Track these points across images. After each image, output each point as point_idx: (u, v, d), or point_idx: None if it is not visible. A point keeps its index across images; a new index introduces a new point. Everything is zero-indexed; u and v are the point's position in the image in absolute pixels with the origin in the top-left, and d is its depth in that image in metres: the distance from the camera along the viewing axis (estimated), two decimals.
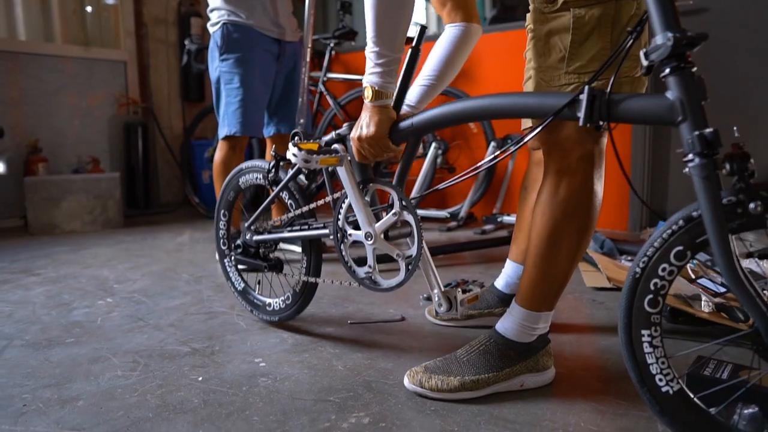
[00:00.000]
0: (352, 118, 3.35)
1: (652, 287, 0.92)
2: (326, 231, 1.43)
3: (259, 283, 1.72)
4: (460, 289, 1.30)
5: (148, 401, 1.16)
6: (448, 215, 3.26)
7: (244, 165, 1.66)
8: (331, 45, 3.27)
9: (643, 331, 0.93)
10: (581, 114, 0.92)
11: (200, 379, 1.27)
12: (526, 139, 1.07)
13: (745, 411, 0.98)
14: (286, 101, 2.44)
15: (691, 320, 1.56)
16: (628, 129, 2.84)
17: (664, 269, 0.91)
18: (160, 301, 1.88)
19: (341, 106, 3.24)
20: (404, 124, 1.19)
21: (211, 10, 2.28)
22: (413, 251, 1.27)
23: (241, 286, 1.71)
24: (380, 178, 1.34)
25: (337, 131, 1.35)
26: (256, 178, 1.62)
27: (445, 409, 1.12)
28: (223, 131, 2.28)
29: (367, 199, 1.32)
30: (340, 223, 1.36)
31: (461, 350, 1.25)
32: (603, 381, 1.24)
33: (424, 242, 1.26)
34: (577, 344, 1.45)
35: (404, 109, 1.57)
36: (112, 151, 3.85)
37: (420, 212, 3.36)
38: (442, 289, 1.30)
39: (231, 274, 1.74)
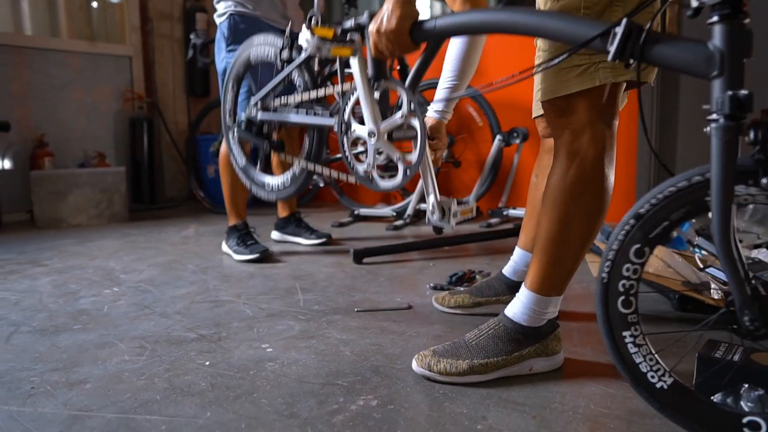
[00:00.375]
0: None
1: (621, 288, 0.93)
2: (331, 121, 1.38)
3: (260, 161, 1.68)
4: (455, 200, 1.26)
5: (155, 384, 1.16)
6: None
7: (255, 38, 1.61)
8: None
9: (624, 333, 0.94)
10: (612, 48, 0.85)
11: (207, 363, 1.27)
12: (550, 64, 0.99)
13: (752, 394, 0.97)
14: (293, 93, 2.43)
15: (700, 307, 1.55)
16: (635, 102, 2.82)
17: (628, 269, 0.92)
18: (166, 290, 1.88)
19: None
20: (427, 24, 1.12)
21: (218, 1, 2.27)
22: (414, 157, 1.22)
23: (242, 162, 1.69)
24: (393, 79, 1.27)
25: (357, 20, 1.26)
26: (267, 54, 1.57)
27: (453, 393, 1.11)
28: None
29: (377, 96, 1.26)
30: (345, 116, 1.31)
31: (470, 334, 1.24)
32: (612, 366, 1.23)
33: (427, 149, 1.22)
34: (585, 331, 1.45)
35: (434, 114, 1.56)
36: (118, 146, 3.86)
37: (424, 205, 3.35)
38: (438, 198, 1.26)
39: (234, 149, 1.70)
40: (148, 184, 3.88)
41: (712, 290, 1.54)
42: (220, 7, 2.26)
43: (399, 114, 1.20)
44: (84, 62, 3.67)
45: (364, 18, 1.23)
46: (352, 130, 1.31)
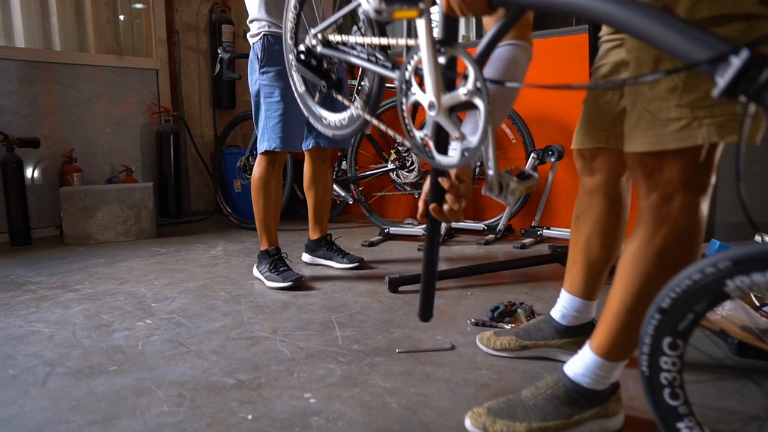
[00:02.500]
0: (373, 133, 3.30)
1: (664, 381, 0.86)
2: (393, 74, 1.22)
3: (318, 91, 1.52)
4: (515, 177, 1.12)
5: None
6: (485, 227, 3.17)
7: None
8: None
9: (679, 425, 0.86)
10: (723, 81, 0.66)
11: (249, 417, 1.22)
12: (641, 80, 0.89)
13: None
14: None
15: (760, 354, 1.46)
16: None
17: (666, 362, 0.86)
18: (199, 323, 1.84)
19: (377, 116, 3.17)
20: None
21: (251, 21, 2.23)
22: (475, 140, 1.05)
23: (302, 88, 1.59)
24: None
25: None
26: None
27: None
28: (262, 146, 2.23)
29: (442, 61, 1.09)
30: (407, 74, 1.15)
31: (527, 392, 1.18)
32: None
33: (490, 130, 1.06)
34: (635, 378, 1.36)
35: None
36: (144, 159, 3.85)
37: (455, 224, 3.28)
38: (497, 171, 1.08)
39: (294, 75, 1.59)
40: (174, 197, 3.86)
41: None
42: (254, 27, 2.21)
43: (463, 90, 1.03)
44: (111, 76, 3.67)
45: None
46: (412, 92, 1.14)
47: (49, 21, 3.51)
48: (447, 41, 1.08)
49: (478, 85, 1.02)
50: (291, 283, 2.20)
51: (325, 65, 1.45)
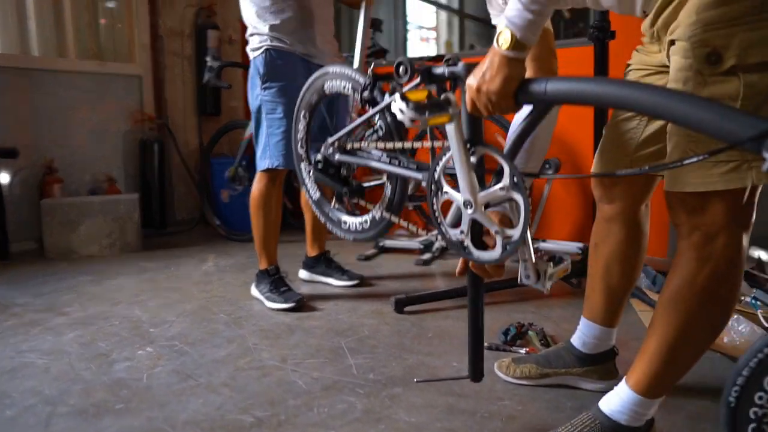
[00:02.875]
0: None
1: (752, 416, 0.85)
2: (419, 176, 1.25)
3: (338, 198, 1.59)
4: (551, 263, 1.13)
5: None
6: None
7: (330, 68, 1.50)
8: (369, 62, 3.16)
9: None
10: None
11: None
12: (688, 161, 0.85)
13: None
14: (326, 131, 2.32)
15: None
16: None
17: (761, 398, 0.84)
18: (204, 350, 1.77)
19: None
20: (536, 87, 0.98)
21: (252, 35, 2.16)
22: (516, 233, 1.07)
23: (316, 195, 1.61)
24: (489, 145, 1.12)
25: (451, 68, 1.11)
26: (344, 87, 1.46)
27: None
28: (263, 163, 2.17)
29: (473, 161, 1.12)
30: (436, 175, 1.17)
31: (564, 429, 1.16)
32: None
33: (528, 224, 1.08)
34: (665, 411, 1.35)
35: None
36: (127, 168, 3.73)
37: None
38: (533, 260, 1.12)
39: (307, 181, 1.63)
40: (159, 207, 3.75)
41: None
42: (254, 41, 2.14)
43: (500, 185, 1.06)
44: (92, 83, 3.53)
45: (459, 68, 1.09)
46: (444, 192, 1.16)
47: (27, 25, 3.36)
48: (476, 141, 1.11)
49: (515, 179, 1.03)
50: (293, 304, 2.14)
51: (344, 172, 1.48)
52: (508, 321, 1.91)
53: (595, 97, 0.93)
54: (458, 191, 1.12)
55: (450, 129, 1.07)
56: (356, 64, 2.26)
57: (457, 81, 1.11)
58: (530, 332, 1.84)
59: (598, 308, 1.43)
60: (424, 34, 6.86)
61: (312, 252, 2.55)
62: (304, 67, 2.16)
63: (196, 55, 3.98)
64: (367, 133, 1.43)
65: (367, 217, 1.46)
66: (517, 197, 1.04)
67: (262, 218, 2.23)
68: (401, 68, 1.15)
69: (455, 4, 6.86)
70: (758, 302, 1.96)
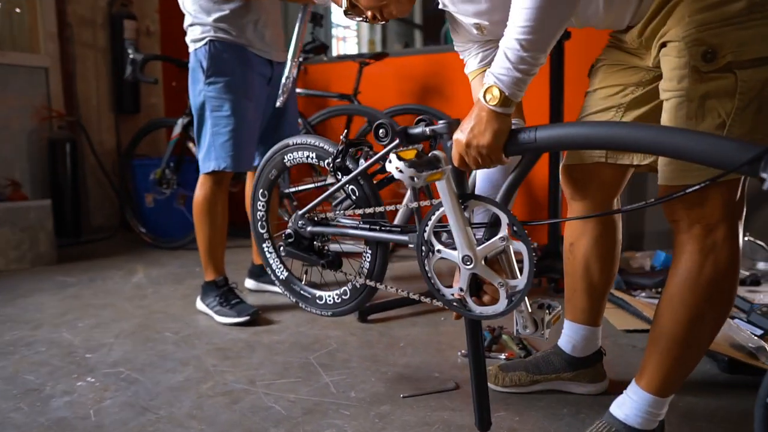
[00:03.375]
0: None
1: None
2: (405, 238, 1.23)
3: (306, 273, 1.49)
4: (547, 310, 1.14)
5: None
6: None
7: (291, 140, 1.43)
8: (301, 59, 3.00)
9: None
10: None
11: None
12: (687, 191, 0.91)
13: None
14: (274, 130, 2.17)
15: (751, 371, 1.52)
16: None
17: None
18: (156, 377, 1.57)
19: (312, 126, 2.99)
20: (525, 136, 1.01)
21: (191, 24, 1.96)
22: (520, 283, 1.08)
23: (284, 275, 1.51)
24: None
25: (432, 127, 1.13)
26: (308, 156, 1.40)
27: None
28: (208, 165, 1.98)
29: (466, 215, 1.12)
30: (426, 235, 1.16)
31: None
32: None
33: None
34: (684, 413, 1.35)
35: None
36: (34, 171, 3.32)
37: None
38: (530, 310, 1.13)
39: (272, 261, 1.53)
40: (72, 214, 3.38)
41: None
42: (195, 31, 1.95)
43: (499, 236, 1.07)
44: None
45: (441, 126, 1.10)
46: (437, 251, 1.15)
47: None
48: (467, 195, 1.11)
49: (515, 228, 1.05)
50: (247, 317, 1.97)
51: (317, 243, 1.42)
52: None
53: (588, 140, 0.96)
54: (451, 249, 1.13)
55: (441, 185, 1.08)
56: (290, 59, 2.11)
57: (437, 139, 1.12)
58: (504, 336, 1.80)
59: (582, 308, 1.41)
60: (344, 33, 6.77)
61: (259, 260, 2.38)
62: (255, 62, 2.00)
63: (111, 46, 3.64)
64: (335, 202, 1.40)
65: (346, 288, 1.40)
66: (519, 246, 1.06)
67: (208, 225, 2.04)
68: (381, 131, 1.17)
69: None
70: None
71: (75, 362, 1.67)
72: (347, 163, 1.31)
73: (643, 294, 2.13)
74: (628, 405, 1.12)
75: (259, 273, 2.38)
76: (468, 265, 1.10)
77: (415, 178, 1.02)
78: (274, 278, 1.54)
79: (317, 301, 1.46)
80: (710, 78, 0.96)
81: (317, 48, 3.02)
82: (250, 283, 2.40)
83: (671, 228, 1.07)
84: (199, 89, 1.96)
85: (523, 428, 1.29)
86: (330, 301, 1.43)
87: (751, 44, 0.93)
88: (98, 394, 1.47)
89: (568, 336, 1.45)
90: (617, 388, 1.46)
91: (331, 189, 1.35)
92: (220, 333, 1.91)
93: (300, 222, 1.40)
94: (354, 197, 1.32)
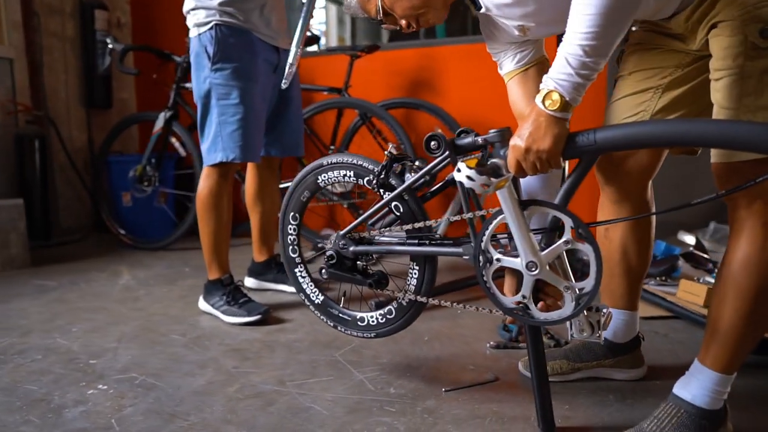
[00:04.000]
0: (313, 132, 3.04)
1: None
2: (459, 250, 1.22)
3: (344, 295, 1.46)
4: (602, 312, 1.14)
5: None
6: None
7: (326, 159, 1.38)
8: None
9: None
10: None
11: None
12: (748, 185, 0.94)
13: None
14: (279, 119, 2.08)
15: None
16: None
17: None
18: (175, 381, 1.46)
19: (303, 121, 2.89)
20: (584, 139, 1.02)
21: (194, 8, 1.85)
22: (588, 285, 1.08)
23: (320, 299, 1.46)
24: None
25: (484, 136, 1.14)
26: (345, 176, 1.35)
27: None
28: (215, 157, 1.87)
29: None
30: (483, 245, 1.15)
31: (650, 424, 1.11)
32: None
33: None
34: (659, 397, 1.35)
35: None
36: (0, 169, 3.09)
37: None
38: (585, 314, 1.13)
39: (305, 287, 1.48)
40: (42, 214, 3.16)
41: None
42: (199, 15, 1.83)
43: (563, 239, 1.07)
44: None
45: (492, 134, 1.11)
46: (496, 260, 1.14)
47: None
48: (527, 202, 1.09)
49: (580, 231, 1.05)
50: (259, 316, 1.87)
51: (360, 263, 1.38)
52: (497, 317, 1.83)
53: (648, 139, 0.99)
54: (512, 256, 1.13)
55: (503, 193, 1.08)
56: (295, 44, 2.02)
57: (487, 146, 1.14)
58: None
59: (620, 293, 1.40)
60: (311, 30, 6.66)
61: (260, 257, 2.28)
62: (262, 48, 1.90)
63: (81, 36, 3.43)
64: (372, 221, 1.38)
65: (391, 307, 1.36)
66: (586, 248, 1.07)
67: (214, 220, 1.93)
68: (433, 143, 1.18)
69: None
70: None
71: (79, 369, 1.54)
72: (391, 179, 1.29)
73: (652, 282, 2.14)
74: (693, 385, 1.10)
75: (261, 271, 2.28)
76: (533, 271, 1.11)
77: (489, 186, 1.03)
78: (308, 303, 1.48)
79: (358, 323, 1.41)
80: None
81: (309, 40, 2.93)
82: (250, 282, 2.29)
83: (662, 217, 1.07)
84: (204, 76, 1.85)
85: (576, 416, 1.27)
86: (373, 321, 1.39)
87: None
88: (115, 402, 1.35)
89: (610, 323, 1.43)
90: (653, 373, 1.46)
91: (376, 206, 1.31)
92: (232, 333, 1.80)
93: (341, 242, 1.36)
94: (399, 213, 1.29)
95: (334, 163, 1.36)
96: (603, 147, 1.01)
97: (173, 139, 3.02)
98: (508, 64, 1.30)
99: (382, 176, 1.28)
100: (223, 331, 1.82)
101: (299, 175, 1.43)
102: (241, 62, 1.84)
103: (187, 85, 2.92)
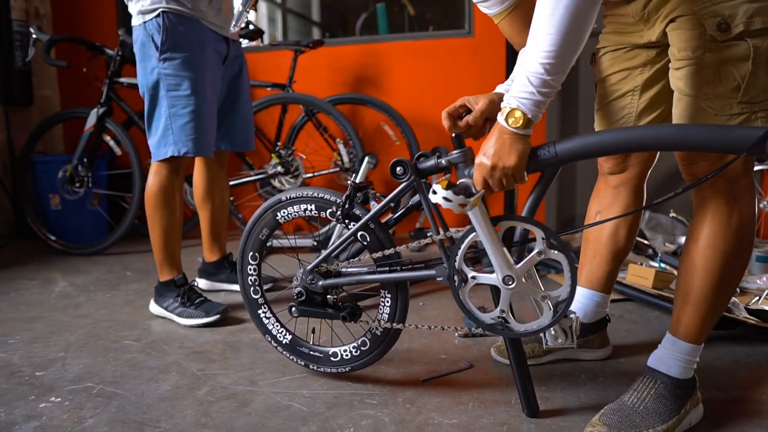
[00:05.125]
0: (259, 129, 2.95)
1: None
2: (433, 273, 1.22)
3: (313, 331, 1.41)
4: (573, 317, 1.18)
5: None
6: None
7: (284, 195, 1.35)
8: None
9: None
10: None
11: None
12: (712, 174, 1.01)
13: None
14: (229, 112, 2.00)
15: (723, 325, 1.65)
16: (541, 131, 2.96)
17: None
18: (138, 388, 1.37)
19: None
20: (546, 152, 1.07)
21: None
22: (564, 292, 1.13)
23: (287, 338, 1.41)
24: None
25: (447, 158, 1.16)
26: (305, 210, 1.33)
27: None
28: (165, 151, 1.77)
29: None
30: (458, 264, 1.17)
31: (631, 398, 1.15)
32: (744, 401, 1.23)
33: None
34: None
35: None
36: None
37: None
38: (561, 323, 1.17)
39: (271, 327, 1.43)
40: None
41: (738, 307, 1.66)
42: (144, 2, 1.73)
43: (536, 251, 1.11)
44: None
45: (455, 155, 1.14)
46: (471, 278, 1.16)
47: None
48: (497, 218, 1.14)
49: (552, 240, 1.11)
50: (218, 316, 1.80)
51: (330, 297, 1.36)
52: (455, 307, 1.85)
53: (607, 147, 1.04)
54: (487, 273, 1.15)
55: (475, 212, 1.11)
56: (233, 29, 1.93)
57: (450, 167, 1.17)
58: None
59: (600, 274, 1.45)
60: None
61: (211, 257, 2.18)
62: (212, 37, 1.82)
63: None
64: (336, 252, 1.35)
65: (364, 338, 1.35)
66: (559, 257, 1.11)
67: (166, 218, 1.83)
68: (399, 168, 1.19)
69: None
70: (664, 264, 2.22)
71: (25, 382, 1.41)
72: (355, 209, 1.28)
73: None
74: (668, 357, 1.16)
75: (213, 271, 2.18)
76: (510, 285, 1.13)
77: (466, 205, 1.06)
78: (276, 345, 1.44)
79: (331, 358, 1.38)
80: (726, 46, 1.03)
81: (253, 33, 2.84)
82: (202, 283, 2.19)
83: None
84: (151, 66, 1.75)
85: (554, 398, 1.29)
86: (347, 355, 1.36)
87: (759, 15, 1.01)
88: (74, 414, 1.24)
89: (582, 303, 1.47)
90: (617, 352, 1.53)
91: (343, 237, 1.29)
92: (191, 336, 1.72)
93: (309, 278, 1.33)
94: (366, 242, 1.29)
95: (294, 198, 1.34)
96: (564, 159, 1.06)
97: (107, 137, 2.84)
98: (496, 7, 1.30)
99: (346, 207, 1.27)
100: (180, 334, 1.73)
101: (257, 212, 1.39)
102: (191, 52, 1.75)
103: (122, 79, 2.77)
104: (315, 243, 2.82)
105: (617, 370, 1.43)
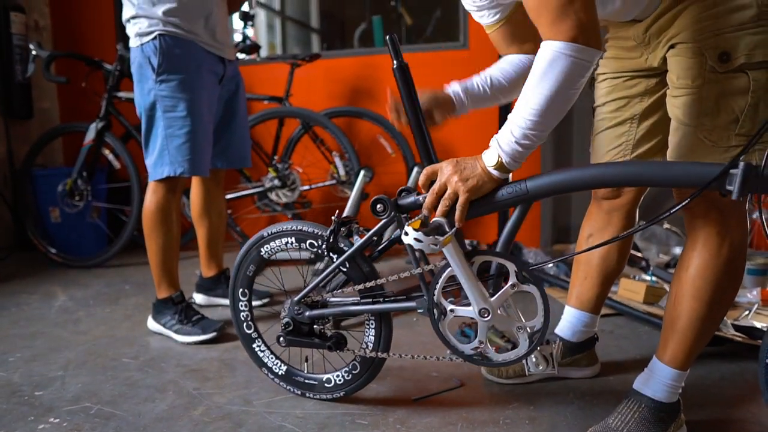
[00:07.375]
0: (256, 143, 2.98)
1: None
2: (413, 305, 1.27)
3: (306, 360, 1.44)
4: (553, 344, 1.23)
5: None
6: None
7: (266, 231, 1.39)
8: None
9: None
10: (734, 187, 0.92)
11: None
12: (675, 210, 1.03)
13: None
14: (225, 130, 2.04)
15: (713, 342, 1.67)
16: (536, 156, 2.99)
17: None
18: (135, 408, 1.40)
19: None
20: (517, 189, 1.11)
21: (134, 17, 1.78)
22: (538, 323, 1.17)
23: (282, 369, 1.44)
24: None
25: (424, 195, 1.18)
26: (287, 243, 1.37)
27: None
28: (161, 171, 1.80)
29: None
30: (436, 298, 1.22)
31: (615, 420, 1.19)
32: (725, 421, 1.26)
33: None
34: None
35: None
36: None
37: None
38: (539, 348, 1.22)
39: (266, 359, 1.46)
40: None
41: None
42: (141, 25, 1.76)
43: (509, 284, 1.16)
44: None
45: (423, 197, 1.17)
46: (450, 311, 1.21)
47: None
48: (471, 252, 1.18)
49: (525, 274, 1.15)
50: (215, 333, 1.83)
51: (317, 327, 1.40)
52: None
53: (575, 185, 1.08)
54: (463, 306, 1.20)
55: (449, 249, 1.14)
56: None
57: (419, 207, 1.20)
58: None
59: (591, 296, 1.47)
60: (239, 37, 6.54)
61: (209, 272, 2.21)
62: (208, 59, 1.86)
63: None
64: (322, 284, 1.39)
65: (354, 362, 1.38)
66: (531, 289, 1.16)
67: (163, 237, 1.86)
68: (379, 206, 1.22)
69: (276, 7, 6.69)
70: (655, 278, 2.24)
71: (25, 402, 1.44)
72: (339, 242, 1.31)
73: None
74: (653, 381, 1.18)
75: (210, 287, 2.21)
76: (486, 317, 1.18)
77: (436, 245, 1.09)
78: (272, 377, 1.47)
79: (326, 385, 1.41)
80: (726, 78, 1.04)
81: (249, 48, 2.87)
82: (199, 298, 2.22)
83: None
84: (148, 88, 1.78)
85: (542, 417, 1.32)
86: (340, 380, 1.39)
87: (761, 48, 1.02)
88: None
89: (570, 323, 1.50)
90: (605, 369, 1.55)
91: (328, 270, 1.33)
92: (188, 354, 1.74)
93: (296, 308, 1.37)
94: (351, 275, 1.32)
95: (274, 233, 1.37)
96: (535, 195, 1.10)
97: (106, 151, 2.88)
98: (489, 18, 1.32)
99: (331, 240, 1.30)
100: (178, 352, 1.76)
101: (242, 250, 1.43)
102: (187, 73, 1.79)
103: (120, 94, 2.81)
104: (311, 255, 2.85)
105: (606, 388, 1.46)
